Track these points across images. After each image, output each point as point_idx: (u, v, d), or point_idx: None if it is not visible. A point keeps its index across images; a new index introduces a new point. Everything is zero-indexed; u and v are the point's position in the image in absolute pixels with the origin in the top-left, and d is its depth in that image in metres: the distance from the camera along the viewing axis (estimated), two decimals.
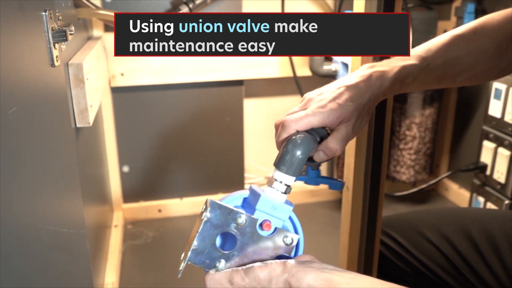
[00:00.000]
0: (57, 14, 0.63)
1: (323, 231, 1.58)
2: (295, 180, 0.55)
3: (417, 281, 0.77)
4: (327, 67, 1.43)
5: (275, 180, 0.54)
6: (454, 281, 0.73)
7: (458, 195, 1.69)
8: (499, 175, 1.32)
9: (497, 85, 1.31)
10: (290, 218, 0.54)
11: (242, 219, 0.49)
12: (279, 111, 1.70)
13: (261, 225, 0.51)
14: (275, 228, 0.52)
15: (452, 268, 0.73)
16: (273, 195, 0.53)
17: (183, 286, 1.32)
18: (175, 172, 1.66)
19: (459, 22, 1.51)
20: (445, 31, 1.62)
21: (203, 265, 0.52)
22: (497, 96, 1.30)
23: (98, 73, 1.14)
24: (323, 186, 0.61)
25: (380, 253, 0.81)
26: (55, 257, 0.55)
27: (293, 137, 0.54)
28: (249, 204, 0.53)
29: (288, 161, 0.53)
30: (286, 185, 0.53)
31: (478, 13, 1.49)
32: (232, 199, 0.54)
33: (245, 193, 0.55)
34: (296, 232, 0.55)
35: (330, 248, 1.45)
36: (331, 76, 1.45)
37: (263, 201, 0.52)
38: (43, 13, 0.56)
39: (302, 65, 1.55)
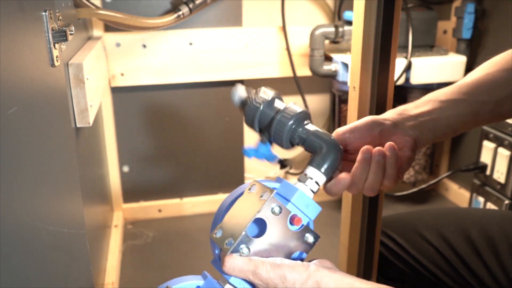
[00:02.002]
0: (57, 14, 0.63)
1: (323, 231, 1.57)
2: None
3: (416, 282, 0.77)
4: (327, 67, 1.43)
5: (310, 178, 0.54)
6: (453, 282, 0.73)
7: (458, 195, 1.69)
8: (499, 175, 1.32)
9: None
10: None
11: (277, 208, 0.49)
12: None
13: (291, 219, 0.50)
14: (302, 225, 0.51)
15: (450, 269, 0.73)
16: (307, 192, 0.53)
17: None
18: (175, 172, 1.66)
19: (459, 22, 1.51)
20: (445, 31, 1.62)
21: (228, 245, 0.49)
22: None
23: (98, 73, 1.14)
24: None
25: (379, 254, 0.81)
26: (55, 257, 0.55)
27: (336, 141, 0.56)
28: (281, 196, 0.52)
29: (329, 162, 0.54)
30: (318, 184, 0.54)
31: (478, 13, 1.49)
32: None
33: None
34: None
35: (330, 248, 1.44)
36: (331, 76, 1.45)
37: (300, 196, 0.52)
38: (43, 13, 0.56)
39: (302, 65, 1.55)
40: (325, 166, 0.54)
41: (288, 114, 0.57)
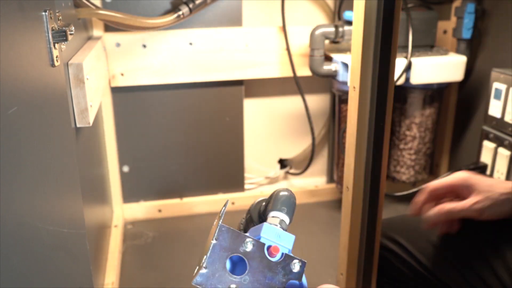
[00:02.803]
0: (57, 14, 0.63)
1: (323, 231, 1.58)
2: None
3: (421, 286, 0.77)
4: (327, 67, 1.43)
5: (272, 217, 0.57)
6: (457, 286, 0.73)
7: None
8: (499, 175, 1.32)
9: (497, 85, 1.31)
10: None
11: (250, 243, 0.50)
12: (279, 111, 1.70)
13: (269, 251, 0.51)
14: (282, 254, 0.51)
15: (456, 272, 0.72)
16: (274, 225, 0.55)
17: (182, 286, 1.32)
18: (175, 172, 1.66)
19: (459, 22, 1.51)
20: (445, 31, 1.62)
21: None
22: (497, 96, 1.30)
23: (98, 73, 1.14)
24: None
25: (384, 258, 0.81)
26: (55, 257, 0.55)
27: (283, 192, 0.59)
28: (253, 234, 0.54)
29: (287, 204, 0.58)
30: (282, 220, 0.57)
31: (478, 13, 1.49)
32: None
33: None
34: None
35: (330, 248, 1.45)
36: (331, 76, 1.45)
37: (267, 228, 0.53)
38: (43, 13, 0.56)
39: (302, 65, 1.55)
40: (285, 207, 0.58)
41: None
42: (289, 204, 0.58)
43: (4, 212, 0.39)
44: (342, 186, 1.01)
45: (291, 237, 0.54)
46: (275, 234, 0.53)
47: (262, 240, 0.52)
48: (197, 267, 0.52)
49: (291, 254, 0.52)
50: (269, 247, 0.51)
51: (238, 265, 0.52)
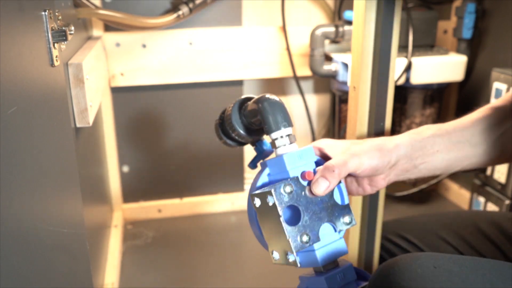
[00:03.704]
0: (56, 14, 0.63)
1: None
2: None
3: None
4: (327, 67, 1.43)
5: (276, 139, 0.54)
6: None
7: (458, 195, 1.69)
8: (500, 175, 1.32)
9: (497, 85, 1.30)
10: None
11: (287, 186, 0.50)
12: None
13: (304, 178, 0.51)
14: (314, 170, 0.53)
15: None
16: (287, 150, 0.54)
17: (182, 286, 1.32)
18: (175, 172, 1.65)
19: (460, 22, 1.51)
20: (445, 31, 1.62)
21: (292, 259, 0.50)
22: (497, 96, 1.30)
23: (98, 73, 1.14)
24: None
25: (393, 255, 0.80)
26: (55, 257, 0.55)
27: (264, 98, 0.55)
28: (277, 174, 0.53)
29: (280, 113, 0.54)
30: (287, 135, 0.54)
31: (479, 13, 1.49)
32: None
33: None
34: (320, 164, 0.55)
35: None
36: (331, 76, 1.45)
37: (288, 157, 0.52)
38: (43, 13, 0.56)
39: (302, 65, 1.55)
40: (276, 121, 0.54)
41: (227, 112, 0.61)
42: (282, 111, 0.54)
43: (4, 212, 0.39)
44: None
45: (309, 148, 0.54)
46: (297, 158, 0.53)
47: (290, 174, 0.52)
48: (273, 247, 0.51)
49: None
50: (302, 175, 0.51)
51: (291, 215, 0.52)
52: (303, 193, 0.51)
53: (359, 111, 0.75)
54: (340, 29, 1.42)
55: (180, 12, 1.37)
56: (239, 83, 1.60)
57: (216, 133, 0.65)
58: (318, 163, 0.55)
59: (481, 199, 1.41)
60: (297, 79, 1.56)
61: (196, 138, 1.63)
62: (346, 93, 1.48)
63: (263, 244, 0.54)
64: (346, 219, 0.53)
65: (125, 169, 1.60)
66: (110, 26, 1.38)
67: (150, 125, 1.58)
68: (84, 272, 0.71)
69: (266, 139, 0.61)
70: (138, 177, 1.62)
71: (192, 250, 1.48)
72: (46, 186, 0.53)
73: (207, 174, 1.68)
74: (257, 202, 0.50)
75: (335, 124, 1.67)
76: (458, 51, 1.53)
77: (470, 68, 1.55)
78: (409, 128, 1.58)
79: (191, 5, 1.38)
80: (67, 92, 0.84)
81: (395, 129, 1.60)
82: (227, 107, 0.63)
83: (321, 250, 0.51)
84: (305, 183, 0.51)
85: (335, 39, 1.44)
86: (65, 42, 0.61)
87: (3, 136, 0.40)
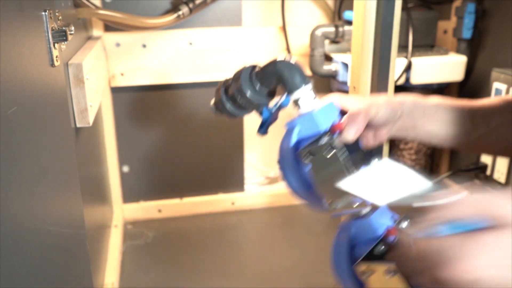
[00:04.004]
0: (57, 14, 0.63)
1: (323, 231, 1.58)
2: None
3: None
4: (327, 67, 1.43)
5: (300, 97, 0.55)
6: None
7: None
8: (499, 175, 1.32)
9: (497, 85, 1.30)
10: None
11: (325, 139, 0.52)
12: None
13: (334, 130, 0.53)
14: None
15: None
16: (312, 105, 0.55)
17: (182, 286, 1.32)
18: (175, 172, 1.65)
19: (459, 22, 1.51)
20: (445, 31, 1.62)
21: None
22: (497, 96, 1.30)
23: (98, 73, 1.14)
24: None
25: None
26: (55, 257, 0.55)
27: (280, 60, 0.57)
28: (307, 130, 0.55)
29: (298, 76, 0.55)
30: (310, 90, 0.55)
31: (479, 13, 1.49)
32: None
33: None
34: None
35: (330, 248, 1.44)
36: (331, 76, 1.45)
37: (317, 113, 0.54)
38: (43, 13, 0.56)
39: (302, 65, 1.55)
40: (298, 79, 0.55)
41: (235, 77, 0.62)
42: (300, 69, 0.55)
43: (4, 212, 0.39)
44: None
45: (331, 103, 0.56)
46: (324, 113, 0.54)
47: (321, 128, 0.53)
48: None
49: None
50: (333, 125, 0.53)
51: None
52: (340, 144, 0.52)
53: None
54: (340, 29, 1.42)
55: (180, 12, 1.37)
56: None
57: (218, 102, 0.63)
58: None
59: None
60: None
61: (196, 138, 1.63)
62: (346, 93, 1.48)
63: (309, 199, 0.56)
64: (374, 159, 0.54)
65: (125, 169, 1.60)
66: (110, 26, 1.37)
67: (150, 125, 1.58)
68: (84, 272, 0.71)
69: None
70: (138, 177, 1.62)
71: (192, 250, 1.48)
72: (46, 186, 0.53)
73: (207, 174, 1.68)
74: (308, 157, 0.51)
75: None
76: (458, 51, 1.53)
77: (470, 68, 1.55)
78: None
79: (191, 5, 1.38)
80: (67, 92, 0.84)
81: None
82: (230, 76, 0.64)
83: None
84: (335, 134, 0.53)
85: (335, 39, 1.44)
86: (65, 42, 0.62)
87: (3, 136, 0.40)
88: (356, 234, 0.54)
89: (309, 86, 0.55)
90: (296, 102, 0.55)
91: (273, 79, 0.56)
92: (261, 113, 0.62)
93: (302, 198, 0.56)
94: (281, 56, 0.57)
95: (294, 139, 0.55)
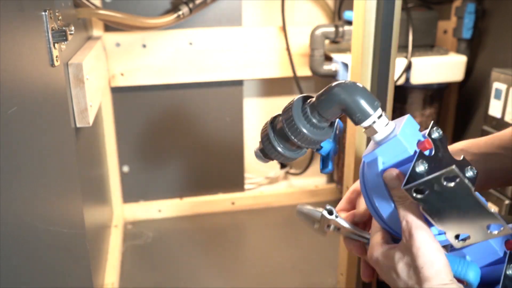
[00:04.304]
0: (57, 14, 0.63)
1: None
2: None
3: None
4: (327, 67, 1.43)
5: (374, 122, 0.48)
6: None
7: None
8: None
9: (497, 85, 1.30)
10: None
11: (421, 165, 0.46)
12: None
13: (423, 149, 0.47)
14: (424, 136, 0.49)
15: None
16: (389, 129, 0.48)
17: (182, 286, 1.32)
18: (175, 172, 1.66)
19: (459, 22, 1.51)
20: (445, 31, 1.62)
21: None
22: (497, 96, 1.30)
23: (98, 73, 1.14)
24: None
25: None
26: (55, 257, 0.55)
27: (341, 87, 0.49)
28: (393, 158, 0.48)
29: (360, 103, 0.47)
30: (380, 116, 0.48)
31: (479, 13, 1.49)
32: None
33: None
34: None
35: (330, 248, 1.44)
36: (331, 76, 1.45)
37: (402, 136, 0.47)
38: (43, 13, 0.56)
39: (302, 65, 1.55)
40: (368, 104, 0.47)
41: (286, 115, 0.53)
42: (365, 92, 0.47)
43: (4, 212, 0.39)
44: (342, 186, 1.01)
45: (409, 118, 0.49)
46: (409, 131, 0.48)
47: (410, 151, 0.47)
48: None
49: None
50: (420, 144, 0.46)
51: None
52: (432, 164, 0.46)
53: None
54: (340, 29, 1.42)
55: (180, 12, 1.37)
56: (239, 83, 1.59)
57: (266, 146, 0.54)
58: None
59: None
60: (297, 79, 1.56)
61: (196, 138, 1.63)
62: None
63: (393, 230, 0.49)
64: (469, 171, 0.49)
65: (125, 169, 1.60)
66: (110, 26, 1.37)
67: (150, 125, 1.58)
68: (84, 272, 0.71)
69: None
70: (138, 177, 1.62)
71: (192, 250, 1.48)
72: (46, 186, 0.53)
73: (207, 174, 1.68)
74: (419, 192, 0.44)
75: None
76: (458, 51, 1.53)
77: (470, 68, 1.55)
78: None
79: (191, 5, 1.38)
80: (67, 92, 0.84)
81: None
82: (278, 114, 0.54)
83: None
84: (426, 152, 0.47)
85: (335, 39, 1.44)
86: (65, 42, 0.62)
87: (4, 136, 0.40)
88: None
89: (379, 109, 0.48)
90: (368, 128, 0.48)
91: (334, 109, 0.48)
92: (319, 149, 0.54)
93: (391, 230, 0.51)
94: (337, 83, 0.49)
95: (380, 168, 0.48)
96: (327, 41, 1.48)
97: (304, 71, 1.55)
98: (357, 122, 0.48)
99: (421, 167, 0.45)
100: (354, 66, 0.79)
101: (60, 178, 0.60)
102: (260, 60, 1.54)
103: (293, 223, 1.63)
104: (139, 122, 1.57)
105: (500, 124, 1.31)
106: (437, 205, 0.44)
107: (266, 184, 1.78)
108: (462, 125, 1.68)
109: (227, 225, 1.63)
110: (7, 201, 0.40)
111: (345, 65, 1.40)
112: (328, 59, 1.47)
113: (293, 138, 0.50)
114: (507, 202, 1.31)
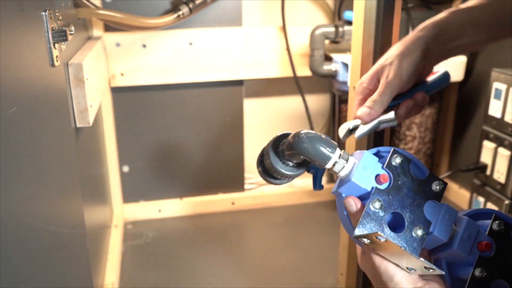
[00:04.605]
0: (57, 14, 0.63)
1: (323, 231, 1.57)
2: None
3: None
4: (327, 67, 1.43)
5: (333, 166, 0.53)
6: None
7: (458, 195, 1.69)
8: (499, 175, 1.32)
9: (497, 85, 1.31)
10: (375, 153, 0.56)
11: (376, 203, 0.50)
12: (279, 111, 1.70)
13: (380, 183, 0.51)
14: (383, 169, 0.53)
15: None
16: (348, 169, 0.53)
17: (182, 286, 1.32)
18: (175, 172, 1.66)
19: None
20: None
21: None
22: (497, 96, 1.30)
23: (98, 73, 1.14)
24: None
25: None
26: (55, 257, 0.55)
27: (296, 140, 0.54)
28: (355, 194, 0.53)
29: (321, 150, 0.52)
30: (339, 156, 0.53)
31: None
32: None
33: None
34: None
35: (330, 248, 1.45)
36: (331, 76, 1.45)
37: (357, 177, 0.52)
38: (43, 13, 0.56)
39: (302, 65, 1.55)
40: (322, 152, 0.52)
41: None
42: (320, 141, 0.52)
43: (4, 212, 0.39)
44: None
45: (366, 154, 0.54)
46: (363, 171, 0.52)
47: (368, 188, 0.51)
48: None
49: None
50: (377, 179, 0.52)
51: (391, 219, 0.52)
52: (389, 196, 0.50)
53: None
54: (340, 29, 1.42)
55: (180, 12, 1.37)
56: (239, 83, 1.60)
57: (260, 174, 0.63)
58: (377, 155, 0.55)
59: (481, 199, 1.41)
60: (297, 79, 1.56)
61: (196, 138, 1.63)
62: (346, 93, 1.48)
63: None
64: (436, 185, 0.52)
65: (125, 169, 1.60)
66: (110, 26, 1.38)
67: (150, 125, 1.58)
68: (84, 272, 0.71)
69: None
70: (138, 177, 1.62)
71: (192, 250, 1.48)
72: (46, 186, 0.53)
73: (207, 174, 1.68)
74: (367, 240, 0.50)
75: (335, 124, 1.67)
76: None
77: (470, 68, 1.55)
78: (409, 128, 1.58)
79: (191, 5, 1.38)
80: (67, 92, 0.84)
81: (395, 129, 1.60)
82: (262, 150, 0.62)
83: (437, 228, 0.51)
84: (383, 186, 0.51)
85: (335, 39, 1.44)
86: (65, 42, 0.62)
87: (4, 136, 0.40)
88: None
89: (337, 152, 0.53)
90: (331, 170, 0.53)
91: (299, 156, 0.54)
92: (308, 171, 0.60)
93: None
94: (296, 135, 0.54)
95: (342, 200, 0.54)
96: (327, 41, 1.48)
97: (304, 71, 1.55)
98: (319, 167, 0.54)
99: (376, 204, 0.50)
100: (354, 66, 0.79)
101: (60, 178, 0.60)
102: (260, 60, 1.54)
103: (293, 223, 1.63)
104: (139, 122, 1.57)
105: (500, 124, 1.31)
106: (383, 251, 0.51)
107: (266, 184, 1.78)
108: (462, 125, 1.68)
109: (227, 225, 1.63)
110: (7, 201, 0.40)
111: (345, 65, 1.40)
112: (328, 59, 1.47)
113: (275, 174, 0.59)
114: (507, 202, 1.31)
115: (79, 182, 0.71)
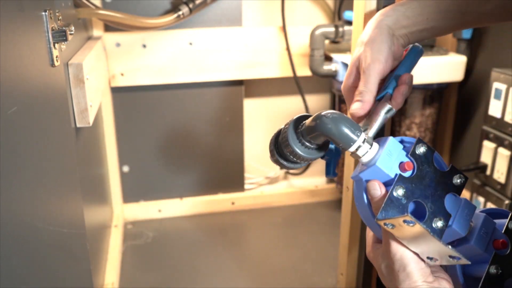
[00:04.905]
0: (57, 14, 0.63)
1: (323, 231, 1.57)
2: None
3: None
4: (327, 67, 1.43)
5: (357, 150, 0.51)
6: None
7: None
8: (499, 175, 1.32)
9: (497, 85, 1.30)
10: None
11: (400, 189, 0.49)
12: (279, 111, 1.70)
13: (403, 170, 0.50)
14: (408, 157, 0.52)
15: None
16: (372, 154, 0.51)
17: (182, 286, 1.32)
18: (175, 172, 1.66)
19: None
20: None
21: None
22: (497, 96, 1.30)
23: (98, 73, 1.14)
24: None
25: None
26: (55, 257, 0.55)
27: (322, 119, 0.52)
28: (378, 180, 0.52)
29: (346, 132, 0.51)
30: (363, 140, 0.51)
31: None
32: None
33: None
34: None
35: (330, 248, 1.45)
36: (331, 76, 1.45)
37: (381, 162, 0.50)
38: (43, 13, 0.56)
39: (302, 65, 1.55)
40: (347, 134, 0.50)
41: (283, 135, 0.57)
42: (345, 122, 0.51)
43: (4, 212, 0.39)
44: (342, 186, 1.01)
45: (391, 140, 0.52)
46: (387, 157, 0.51)
47: (391, 175, 0.50)
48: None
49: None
50: (401, 166, 0.51)
51: (413, 209, 0.51)
52: (412, 185, 0.49)
53: None
54: (340, 29, 1.42)
55: (180, 12, 1.37)
56: (239, 83, 1.60)
57: (273, 160, 0.60)
58: (402, 142, 0.54)
59: (481, 199, 1.41)
60: (297, 79, 1.56)
61: (196, 138, 1.63)
62: None
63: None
64: (457, 179, 0.52)
65: (125, 169, 1.60)
66: (110, 26, 1.38)
67: (150, 125, 1.58)
68: (84, 272, 0.71)
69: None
70: (138, 177, 1.62)
71: (192, 250, 1.48)
72: (46, 186, 0.53)
73: (207, 174, 1.68)
74: (389, 225, 0.48)
75: None
76: (458, 51, 1.53)
77: (470, 68, 1.55)
78: (409, 128, 1.58)
79: (191, 5, 1.38)
80: (67, 92, 0.84)
81: (395, 129, 1.60)
82: (279, 131, 0.59)
83: (456, 222, 0.50)
84: (407, 174, 0.50)
85: (335, 39, 1.44)
86: (65, 42, 0.62)
87: (4, 136, 0.40)
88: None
89: (362, 135, 0.51)
90: (354, 154, 0.51)
91: (321, 137, 0.52)
92: (322, 157, 0.58)
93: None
94: (321, 113, 0.52)
95: (364, 185, 0.52)
96: (327, 41, 1.48)
97: (304, 71, 1.55)
98: (342, 149, 0.52)
99: (399, 191, 0.48)
100: None
101: (60, 178, 0.60)
102: (260, 60, 1.54)
103: (293, 223, 1.63)
104: (139, 122, 1.57)
105: (500, 124, 1.31)
106: (406, 237, 0.49)
107: (266, 184, 1.78)
108: (462, 125, 1.68)
109: (227, 225, 1.63)
110: (7, 201, 0.40)
111: (345, 65, 1.40)
112: (328, 59, 1.47)
113: (291, 158, 0.56)
114: (507, 202, 1.31)
115: (79, 182, 0.71)
